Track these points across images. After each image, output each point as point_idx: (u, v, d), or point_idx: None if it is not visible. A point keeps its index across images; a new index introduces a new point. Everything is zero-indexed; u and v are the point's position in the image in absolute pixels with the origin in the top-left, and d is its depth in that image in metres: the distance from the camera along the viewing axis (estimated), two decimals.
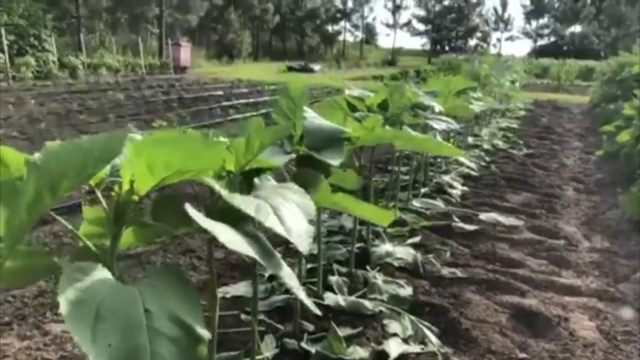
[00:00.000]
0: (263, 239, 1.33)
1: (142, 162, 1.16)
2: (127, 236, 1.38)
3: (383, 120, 2.99)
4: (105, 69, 16.50)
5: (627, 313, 2.71)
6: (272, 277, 2.89)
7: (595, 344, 2.41)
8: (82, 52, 17.06)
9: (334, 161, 1.81)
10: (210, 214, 1.33)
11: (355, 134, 2.12)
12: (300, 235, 1.27)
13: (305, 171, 1.76)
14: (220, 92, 13.84)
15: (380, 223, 2.79)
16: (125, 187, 1.24)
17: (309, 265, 3.00)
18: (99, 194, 1.31)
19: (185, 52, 22.54)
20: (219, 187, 1.30)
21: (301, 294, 1.21)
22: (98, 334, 0.91)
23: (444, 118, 3.63)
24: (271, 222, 1.24)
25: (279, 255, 1.29)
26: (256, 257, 1.15)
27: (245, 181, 1.69)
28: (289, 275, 1.21)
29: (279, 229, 1.23)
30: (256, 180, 1.53)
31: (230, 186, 1.59)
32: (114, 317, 0.95)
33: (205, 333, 1.00)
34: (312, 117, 2.01)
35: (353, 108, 3.09)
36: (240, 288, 2.77)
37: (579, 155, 7.09)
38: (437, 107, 3.71)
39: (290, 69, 27.39)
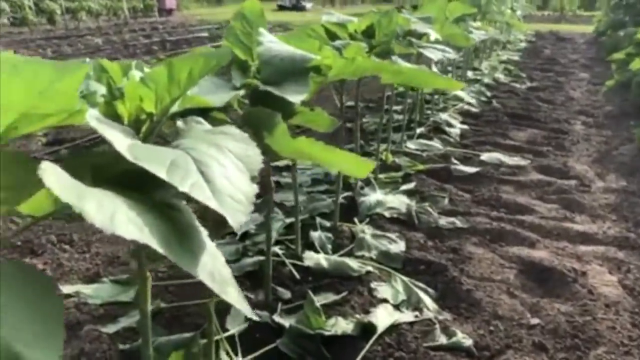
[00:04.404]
0: (184, 212, 0.94)
1: None
2: None
3: (368, 50, 2.56)
4: (85, 13, 15.65)
5: None
6: (245, 236, 2.53)
7: (619, 303, 2.06)
8: None
9: (295, 97, 1.39)
10: (107, 176, 0.94)
11: (326, 62, 1.70)
12: (235, 200, 0.88)
13: (258, 111, 1.35)
14: (206, 34, 13.15)
15: (355, 176, 2.41)
16: None
17: (288, 220, 2.63)
18: None
19: None
20: (108, 134, 0.90)
21: (236, 297, 0.83)
22: None
23: (440, 47, 3.17)
24: (189, 185, 0.85)
25: (205, 240, 0.90)
26: (155, 246, 0.76)
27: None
28: (212, 276, 0.82)
29: (201, 195, 0.84)
30: (179, 123, 1.12)
31: (150, 135, 1.19)
32: None
33: None
34: (270, 42, 1.58)
35: (333, 37, 2.65)
36: None
37: (585, 87, 6.61)
38: (433, 35, 3.25)
39: (281, 7, 26.28)
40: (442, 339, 1.83)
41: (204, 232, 0.92)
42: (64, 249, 2.50)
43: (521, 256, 2.40)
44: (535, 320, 1.94)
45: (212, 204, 0.84)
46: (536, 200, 3.08)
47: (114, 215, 0.74)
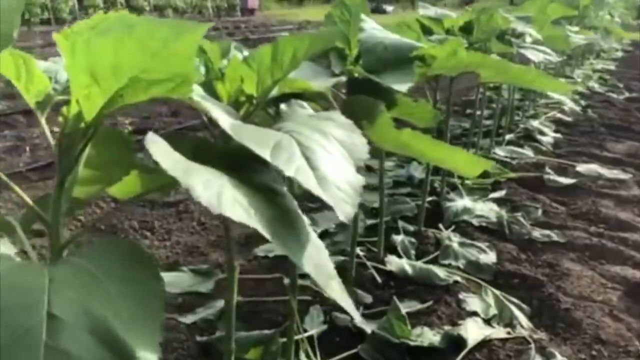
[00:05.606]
0: (287, 198, 0.86)
1: (80, 64, 0.70)
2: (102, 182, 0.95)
3: (466, 47, 2.43)
4: (171, 10, 16.25)
5: None
6: (325, 233, 2.45)
7: None
8: None
9: (400, 86, 1.29)
10: (206, 157, 0.87)
11: (432, 51, 1.58)
12: (341, 190, 0.79)
13: (358, 99, 1.26)
14: (287, 34, 13.29)
15: (467, 175, 2.27)
16: (74, 108, 0.80)
17: (369, 222, 2.54)
18: (42, 120, 0.88)
19: None
20: (213, 111, 0.83)
21: (340, 293, 0.74)
22: None
23: (541, 47, 2.97)
24: (294, 169, 0.77)
25: (309, 229, 0.81)
26: (262, 230, 0.68)
27: (276, 112, 1.22)
28: (317, 269, 0.73)
29: (307, 181, 0.76)
30: (283, 106, 1.05)
31: (248, 117, 1.13)
32: None
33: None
34: (373, 29, 1.49)
35: (428, 32, 2.53)
36: None
37: None
38: (533, 35, 3.06)
39: None
40: None
41: (307, 221, 0.84)
42: (145, 236, 2.51)
43: (626, 277, 2.19)
44: None
45: (318, 192, 0.75)
46: None
47: (220, 194, 0.67)
